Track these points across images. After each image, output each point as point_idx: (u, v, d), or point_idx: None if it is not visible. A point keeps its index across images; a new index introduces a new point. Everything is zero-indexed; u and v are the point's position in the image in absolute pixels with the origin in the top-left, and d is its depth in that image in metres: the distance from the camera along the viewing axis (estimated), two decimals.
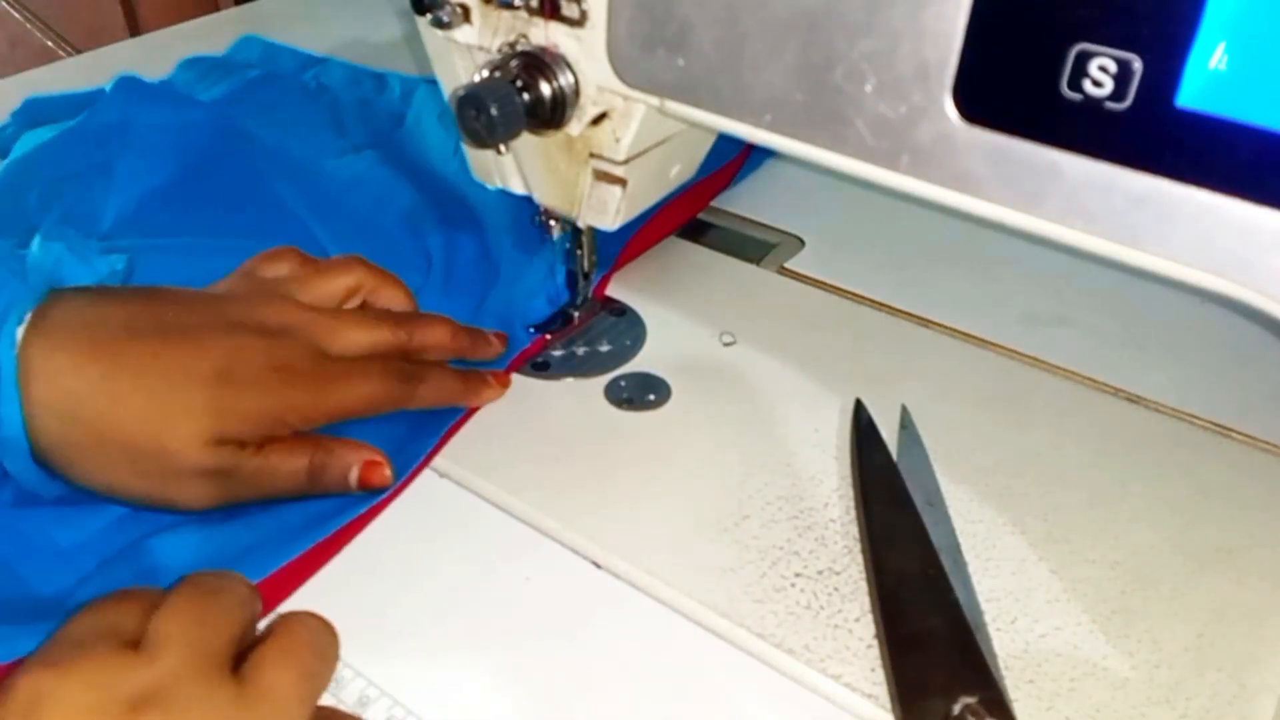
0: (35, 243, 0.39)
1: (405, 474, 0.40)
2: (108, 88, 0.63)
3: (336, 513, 0.38)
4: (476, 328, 0.46)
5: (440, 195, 0.56)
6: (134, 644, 0.26)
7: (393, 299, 0.44)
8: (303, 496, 0.38)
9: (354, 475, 0.38)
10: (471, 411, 0.44)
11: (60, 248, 0.39)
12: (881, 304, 0.52)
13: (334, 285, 0.42)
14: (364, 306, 0.44)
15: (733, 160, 0.61)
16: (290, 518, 0.38)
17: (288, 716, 0.27)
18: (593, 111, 0.38)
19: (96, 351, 0.35)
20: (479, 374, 0.44)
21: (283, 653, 0.28)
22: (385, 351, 0.41)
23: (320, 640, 0.29)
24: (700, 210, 0.59)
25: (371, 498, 0.39)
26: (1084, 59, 0.26)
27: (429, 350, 0.43)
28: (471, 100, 0.35)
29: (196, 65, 0.69)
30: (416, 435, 0.42)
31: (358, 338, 0.41)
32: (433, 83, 0.48)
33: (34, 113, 0.62)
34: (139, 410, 0.35)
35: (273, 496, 0.38)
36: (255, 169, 0.55)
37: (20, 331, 0.34)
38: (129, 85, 0.56)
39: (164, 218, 0.52)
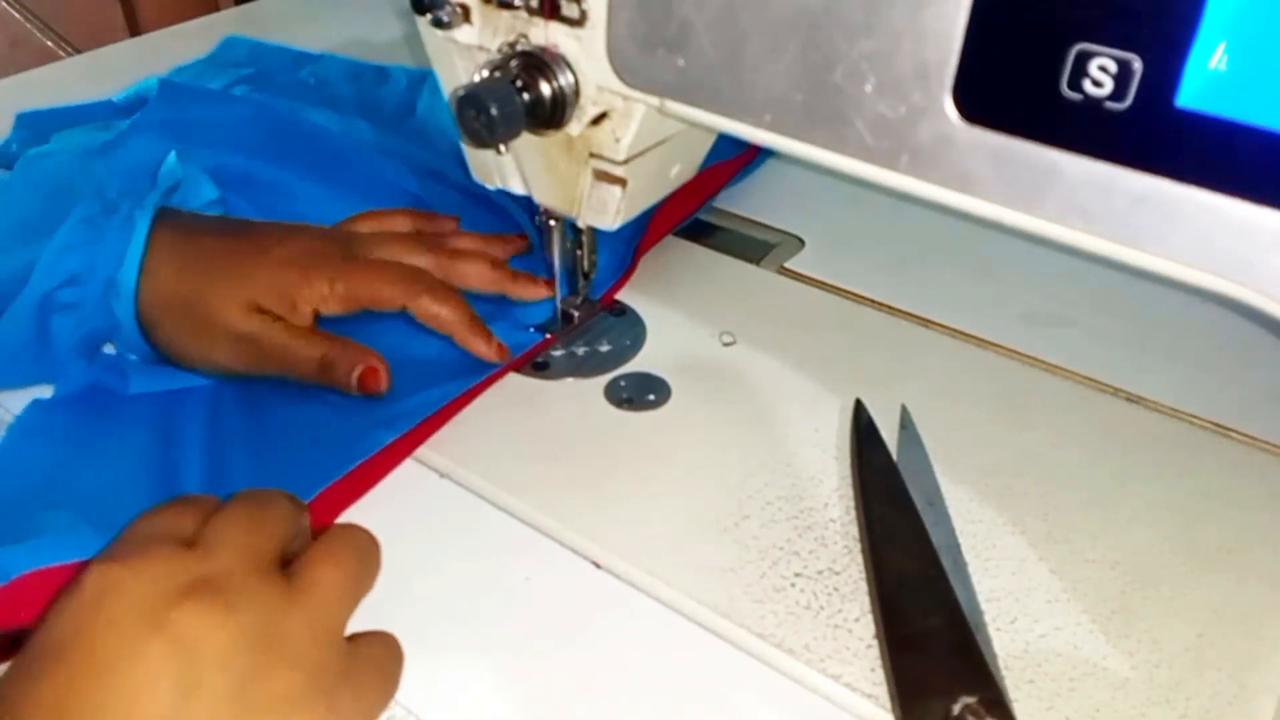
0: (170, 158, 0.48)
1: (428, 410, 0.43)
2: (116, 98, 0.63)
3: (369, 438, 0.41)
4: (520, 270, 0.49)
5: (450, 185, 0.56)
6: (191, 544, 0.29)
7: (467, 271, 0.47)
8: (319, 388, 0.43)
9: (355, 375, 0.42)
10: (458, 405, 0.44)
11: (188, 168, 0.48)
12: (881, 304, 0.52)
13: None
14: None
15: (740, 154, 0.61)
16: (331, 443, 0.41)
17: (331, 610, 0.29)
18: (593, 111, 0.38)
19: (185, 237, 0.44)
20: (485, 329, 0.45)
21: (328, 554, 0.30)
22: (419, 269, 0.45)
23: (363, 545, 0.32)
24: (702, 205, 0.59)
25: (399, 427, 0.42)
26: (1084, 59, 0.26)
27: (467, 280, 0.47)
28: (471, 100, 0.35)
29: (187, 71, 0.69)
30: (454, 375, 0.44)
31: (396, 253, 0.46)
32: None
33: (35, 125, 0.62)
34: (201, 281, 0.43)
35: (290, 375, 0.43)
36: (310, 153, 0.56)
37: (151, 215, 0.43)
38: (173, 88, 0.56)
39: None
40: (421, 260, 0.46)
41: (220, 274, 0.43)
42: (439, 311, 0.44)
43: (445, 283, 0.45)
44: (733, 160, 0.60)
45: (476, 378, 0.44)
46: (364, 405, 0.43)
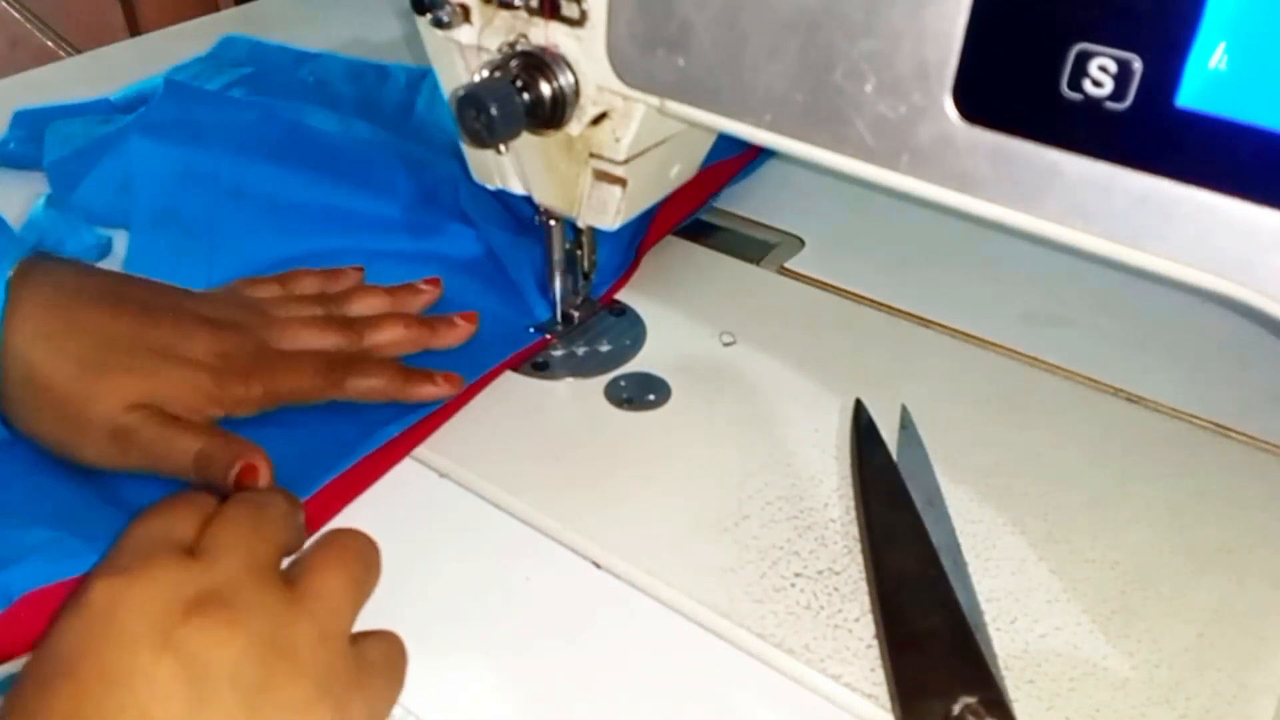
0: (38, 205, 0.43)
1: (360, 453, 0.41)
2: (114, 97, 0.63)
3: (368, 436, 0.41)
4: (438, 315, 0.46)
5: (449, 186, 0.56)
6: (191, 551, 0.29)
7: (383, 340, 0.45)
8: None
9: (233, 473, 0.37)
10: (458, 404, 0.44)
11: (55, 215, 0.43)
12: (881, 304, 0.52)
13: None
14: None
15: (742, 153, 0.61)
16: (330, 439, 0.41)
17: (336, 616, 0.29)
18: (593, 111, 0.38)
19: (58, 309, 0.39)
20: (423, 371, 0.43)
21: (331, 559, 0.31)
22: (335, 352, 0.43)
23: (365, 549, 0.32)
24: (704, 205, 0.59)
25: (397, 426, 0.42)
26: (1084, 59, 0.26)
27: (384, 349, 0.45)
28: (471, 100, 0.35)
29: (185, 70, 0.68)
30: (373, 428, 0.42)
31: (306, 338, 0.43)
32: None
33: (32, 123, 0.62)
34: (77, 364, 0.38)
35: (165, 473, 0.38)
36: (314, 160, 0.55)
37: (10, 273, 0.38)
38: (178, 88, 0.56)
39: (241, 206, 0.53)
40: (334, 341, 0.44)
41: (106, 367, 0.38)
42: (369, 385, 0.42)
43: (362, 354, 0.44)
44: (734, 159, 0.60)
45: (471, 378, 0.44)
46: (363, 404, 0.43)
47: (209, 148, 0.54)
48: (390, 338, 0.45)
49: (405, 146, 0.59)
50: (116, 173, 0.55)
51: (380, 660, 0.31)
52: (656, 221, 0.55)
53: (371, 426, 0.42)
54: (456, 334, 0.46)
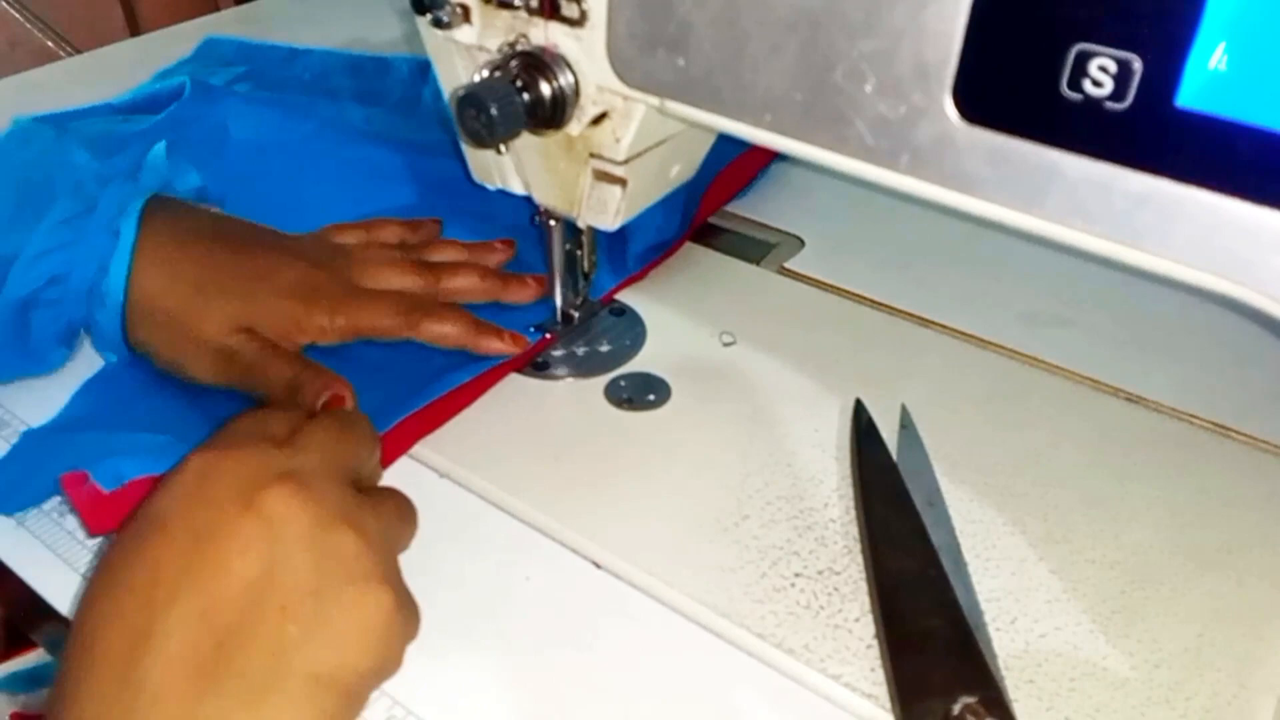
0: (158, 150, 0.48)
1: (420, 402, 0.44)
2: (115, 100, 0.63)
3: (437, 380, 0.44)
4: (510, 272, 0.50)
5: (454, 181, 0.56)
6: (282, 444, 0.32)
7: (458, 286, 0.48)
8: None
9: (321, 400, 0.41)
10: (460, 405, 0.44)
11: (168, 161, 0.48)
12: (881, 304, 0.52)
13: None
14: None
15: (746, 162, 0.61)
16: (402, 379, 0.44)
17: (391, 528, 0.33)
18: (593, 111, 0.38)
19: (174, 242, 0.44)
20: (492, 326, 0.46)
21: (383, 500, 0.34)
22: (414, 293, 0.47)
23: (408, 506, 0.36)
24: (715, 211, 0.59)
25: (467, 372, 0.45)
26: (1084, 59, 0.26)
27: (459, 295, 0.48)
28: (471, 100, 0.35)
29: (173, 72, 0.68)
30: (442, 373, 0.45)
31: (388, 278, 0.47)
32: None
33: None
34: (190, 288, 0.43)
35: (256, 390, 0.42)
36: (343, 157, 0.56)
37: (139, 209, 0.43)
38: (204, 89, 0.57)
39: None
40: (414, 282, 0.47)
41: (213, 291, 0.43)
42: (443, 331, 0.45)
43: (439, 301, 0.47)
44: (737, 174, 0.60)
45: (473, 374, 0.45)
46: (433, 349, 0.45)
47: (230, 145, 0.55)
48: (465, 284, 0.48)
49: (415, 137, 0.59)
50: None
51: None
52: (707, 198, 0.57)
53: (441, 371, 0.44)
54: (527, 292, 0.49)
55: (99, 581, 0.29)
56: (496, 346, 0.46)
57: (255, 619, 0.28)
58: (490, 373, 0.46)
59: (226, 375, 0.43)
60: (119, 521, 0.36)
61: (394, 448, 0.42)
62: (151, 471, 0.38)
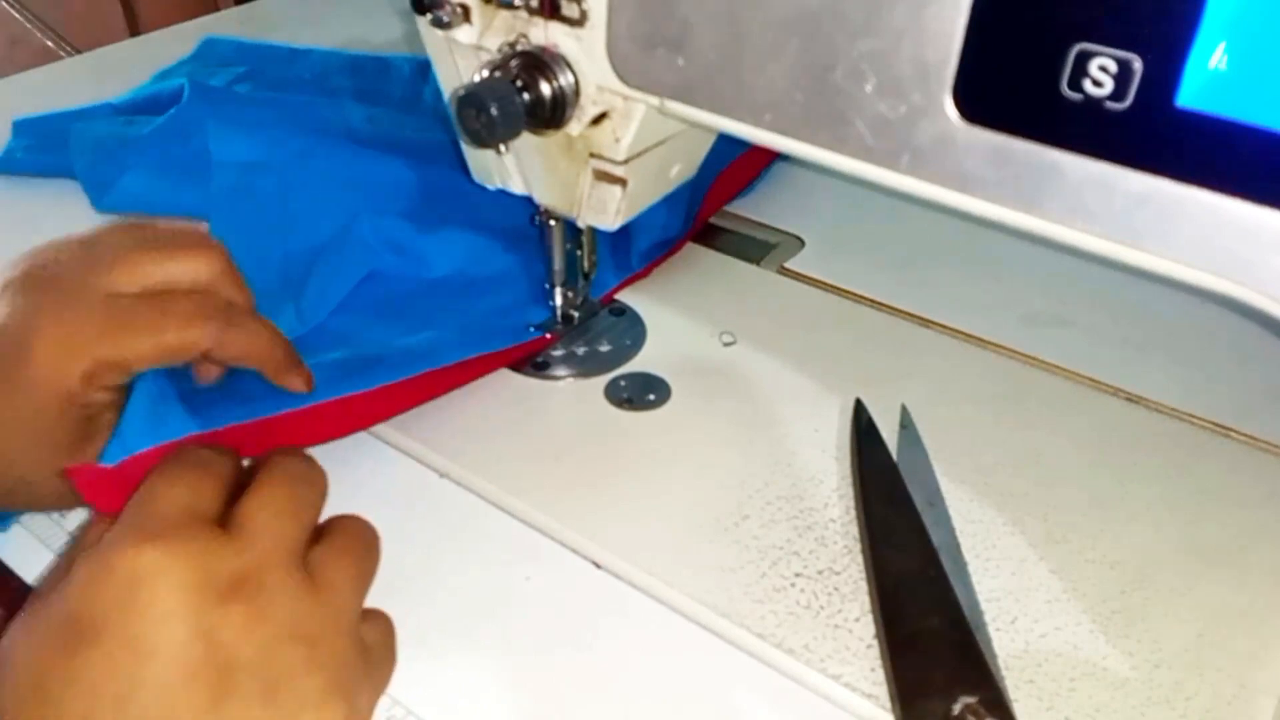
0: None
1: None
2: (115, 101, 0.63)
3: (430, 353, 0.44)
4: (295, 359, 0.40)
5: (451, 187, 0.56)
6: (220, 524, 0.29)
7: (237, 352, 0.37)
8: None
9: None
10: (454, 382, 0.45)
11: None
12: (881, 304, 0.52)
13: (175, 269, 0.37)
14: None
15: (747, 161, 0.61)
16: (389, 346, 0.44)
17: (348, 606, 0.30)
18: (593, 111, 0.38)
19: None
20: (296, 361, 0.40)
21: (343, 549, 0.31)
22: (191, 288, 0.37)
23: (369, 538, 0.33)
24: (715, 212, 0.60)
25: (461, 351, 0.45)
26: (1084, 59, 0.26)
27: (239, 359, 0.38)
28: (471, 100, 0.35)
29: (173, 72, 0.68)
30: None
31: (162, 268, 0.36)
32: None
33: (33, 131, 0.62)
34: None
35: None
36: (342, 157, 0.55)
37: None
38: (203, 90, 0.57)
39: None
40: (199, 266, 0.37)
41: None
42: (246, 344, 0.37)
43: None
44: (738, 175, 0.60)
45: (461, 355, 0.45)
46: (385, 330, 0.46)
47: (234, 144, 0.54)
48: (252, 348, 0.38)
49: (415, 136, 0.59)
50: (156, 170, 0.55)
51: (379, 645, 0.31)
52: (709, 198, 0.56)
53: (428, 348, 0.44)
54: (297, 384, 0.39)
55: (22, 683, 0.26)
56: (298, 384, 0.39)
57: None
58: (481, 360, 0.45)
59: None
60: (127, 496, 0.31)
61: (363, 414, 0.41)
62: (155, 441, 0.35)
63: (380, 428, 0.43)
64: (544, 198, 0.44)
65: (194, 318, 0.35)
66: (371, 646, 0.30)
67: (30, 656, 0.26)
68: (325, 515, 0.36)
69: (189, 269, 0.36)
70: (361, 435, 0.43)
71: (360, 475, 0.42)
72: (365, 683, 0.30)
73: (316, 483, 0.32)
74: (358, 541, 0.32)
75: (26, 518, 0.40)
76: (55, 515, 0.40)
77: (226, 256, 0.38)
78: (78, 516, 0.40)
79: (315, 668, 0.28)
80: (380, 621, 0.32)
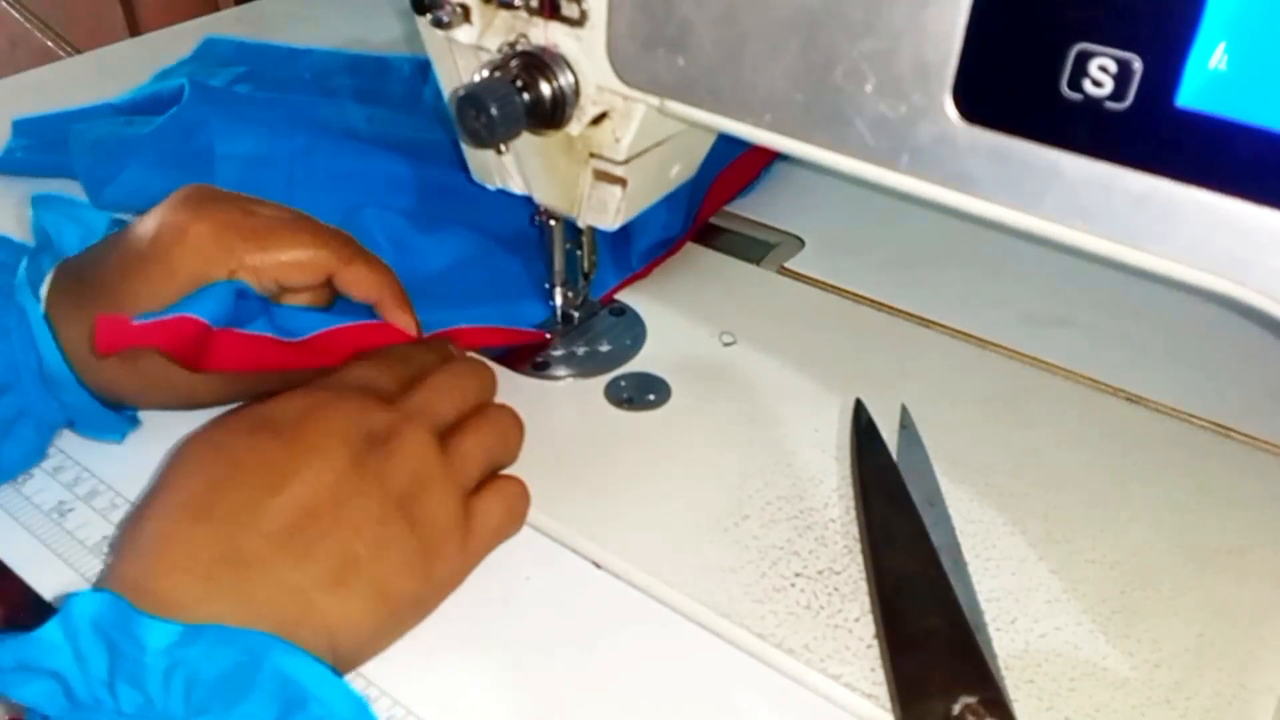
0: (31, 216, 0.44)
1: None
2: (115, 101, 0.63)
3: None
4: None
5: (452, 186, 0.56)
6: (390, 400, 0.36)
7: (359, 281, 0.42)
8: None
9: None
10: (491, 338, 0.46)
11: (55, 216, 0.43)
12: (881, 304, 0.52)
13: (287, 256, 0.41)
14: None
15: (747, 162, 0.61)
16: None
17: (472, 472, 0.37)
18: (593, 111, 0.38)
19: (82, 289, 0.40)
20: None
21: (475, 429, 0.38)
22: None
23: (507, 427, 0.40)
24: (716, 211, 0.60)
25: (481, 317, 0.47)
26: (1084, 59, 0.26)
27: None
28: (471, 100, 0.35)
29: (174, 72, 0.68)
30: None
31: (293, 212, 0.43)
32: None
33: (33, 131, 0.61)
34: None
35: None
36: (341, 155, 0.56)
37: (44, 290, 0.40)
38: (203, 90, 0.57)
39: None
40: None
41: (122, 291, 0.39)
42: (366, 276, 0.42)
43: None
44: (739, 174, 0.60)
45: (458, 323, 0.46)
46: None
47: (236, 144, 0.54)
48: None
49: (416, 136, 0.59)
50: (156, 168, 0.55)
51: (490, 514, 0.37)
52: (709, 198, 0.56)
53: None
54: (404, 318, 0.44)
55: (201, 446, 0.34)
56: (407, 322, 0.42)
57: (337, 528, 0.32)
58: (482, 332, 0.46)
59: (235, 392, 0.41)
60: (122, 345, 0.37)
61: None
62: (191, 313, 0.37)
63: None
64: (544, 198, 0.44)
65: (330, 240, 0.41)
66: (477, 515, 0.36)
67: (227, 435, 0.34)
68: None
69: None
70: None
71: None
72: (456, 540, 0.35)
73: (481, 377, 0.41)
74: (494, 425, 0.39)
75: (26, 518, 0.40)
76: (54, 515, 0.40)
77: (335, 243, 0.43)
78: (78, 516, 0.40)
79: (435, 512, 0.34)
80: (502, 498, 0.38)
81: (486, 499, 0.37)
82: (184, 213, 0.40)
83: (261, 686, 0.28)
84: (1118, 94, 0.25)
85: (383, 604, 0.33)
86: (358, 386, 0.37)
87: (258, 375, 0.41)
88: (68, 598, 0.28)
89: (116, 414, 0.42)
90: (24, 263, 0.40)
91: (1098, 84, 0.26)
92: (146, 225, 0.40)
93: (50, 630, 0.28)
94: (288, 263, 0.40)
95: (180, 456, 0.34)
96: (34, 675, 0.28)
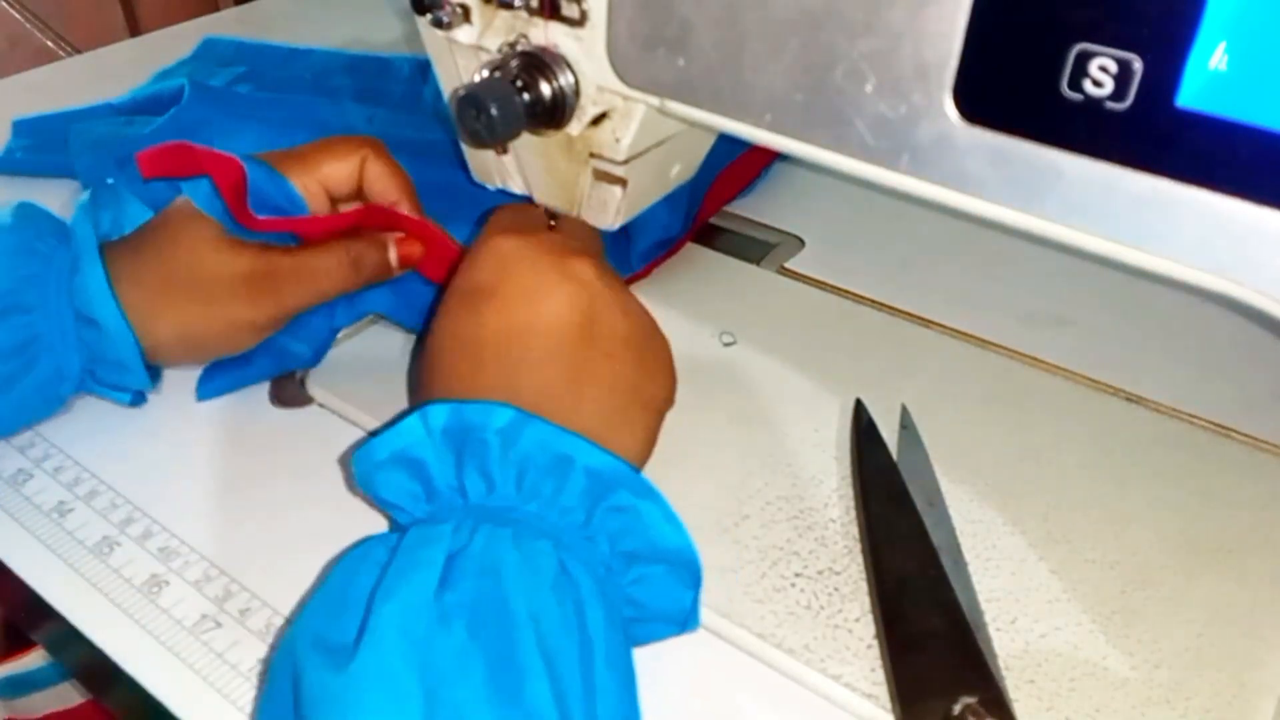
0: (84, 199, 0.43)
1: None
2: (115, 101, 0.63)
3: None
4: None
5: (451, 184, 0.56)
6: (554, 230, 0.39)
7: (382, 177, 0.45)
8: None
9: (393, 254, 0.44)
10: None
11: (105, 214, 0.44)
12: (881, 304, 0.52)
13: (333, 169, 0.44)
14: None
15: (747, 161, 0.61)
16: None
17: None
18: (593, 111, 0.38)
19: (142, 250, 0.41)
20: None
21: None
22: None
23: None
24: (716, 211, 0.60)
25: None
26: (1084, 59, 0.26)
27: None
28: (471, 100, 0.35)
29: (174, 72, 0.68)
30: None
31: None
32: None
33: (33, 131, 0.61)
34: (165, 274, 0.41)
35: (319, 297, 0.43)
36: None
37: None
38: (203, 90, 0.57)
39: None
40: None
41: (168, 238, 0.41)
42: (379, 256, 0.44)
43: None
44: (738, 175, 0.60)
45: None
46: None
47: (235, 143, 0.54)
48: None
49: (416, 136, 0.59)
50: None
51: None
52: (709, 198, 0.56)
53: None
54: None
55: (441, 339, 0.35)
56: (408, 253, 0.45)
57: (593, 358, 0.34)
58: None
59: (274, 301, 0.41)
60: (164, 170, 0.40)
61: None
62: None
63: (377, 426, 0.43)
64: (544, 198, 0.43)
65: (350, 147, 0.44)
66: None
67: (446, 318, 0.36)
68: (344, 506, 0.36)
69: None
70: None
71: None
72: (661, 346, 0.38)
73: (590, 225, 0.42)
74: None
75: (26, 518, 0.40)
76: (54, 515, 0.40)
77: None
78: (78, 517, 0.40)
79: (641, 308, 0.37)
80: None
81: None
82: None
83: (574, 479, 0.31)
84: (1118, 94, 0.25)
85: (649, 413, 0.36)
86: (526, 223, 0.39)
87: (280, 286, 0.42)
88: (421, 408, 0.31)
89: (142, 366, 0.41)
90: (83, 200, 0.42)
91: (1098, 84, 0.26)
92: (178, 203, 0.42)
93: (412, 423, 0.31)
94: (331, 175, 0.43)
95: (427, 362, 0.36)
96: (401, 474, 0.32)
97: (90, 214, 0.42)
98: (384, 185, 0.44)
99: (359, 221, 0.43)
